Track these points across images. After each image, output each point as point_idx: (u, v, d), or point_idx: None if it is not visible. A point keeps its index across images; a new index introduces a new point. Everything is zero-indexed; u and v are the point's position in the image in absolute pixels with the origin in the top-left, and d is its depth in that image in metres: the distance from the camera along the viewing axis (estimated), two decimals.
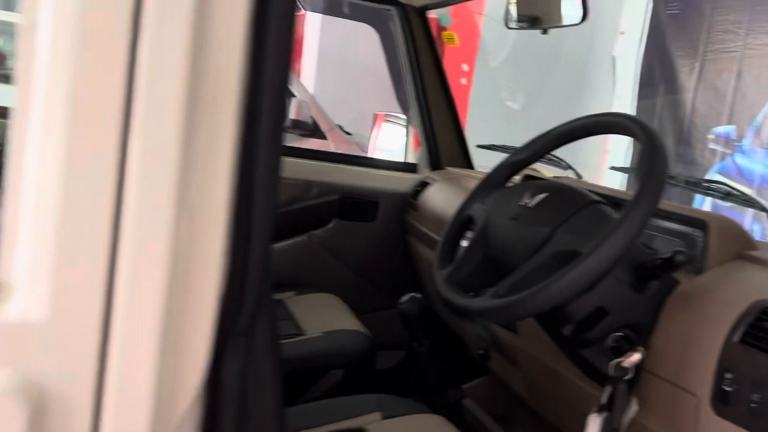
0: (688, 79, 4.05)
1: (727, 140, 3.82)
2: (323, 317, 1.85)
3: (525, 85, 4.67)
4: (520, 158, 1.34)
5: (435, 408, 1.63)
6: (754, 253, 1.21)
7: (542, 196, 1.19)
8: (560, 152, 2.29)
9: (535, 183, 1.26)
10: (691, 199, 3.71)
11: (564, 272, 0.99)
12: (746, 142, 3.71)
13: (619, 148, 4.43)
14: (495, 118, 4.34)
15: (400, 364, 2.14)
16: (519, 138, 2.56)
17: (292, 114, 4.42)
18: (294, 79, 4.73)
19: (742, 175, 3.69)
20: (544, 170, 1.81)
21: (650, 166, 1.03)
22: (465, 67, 4.26)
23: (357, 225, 2.32)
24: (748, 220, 3.54)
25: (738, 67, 3.72)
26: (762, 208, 1.46)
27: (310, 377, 1.60)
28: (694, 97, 4.01)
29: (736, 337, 1.02)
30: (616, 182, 4.39)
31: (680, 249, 1.05)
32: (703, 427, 1.06)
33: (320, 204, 2.26)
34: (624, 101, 4.39)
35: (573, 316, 1.14)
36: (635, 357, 1.11)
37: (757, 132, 3.65)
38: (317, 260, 2.27)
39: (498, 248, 1.22)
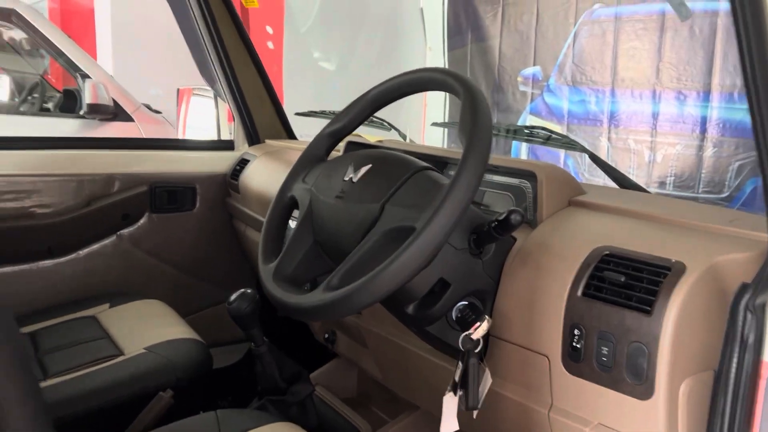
0: (493, 24, 4.16)
1: (534, 81, 3.99)
2: (145, 329, 1.63)
3: (337, 44, 4.55)
4: (339, 127, 1.21)
5: (285, 408, 1.50)
6: (582, 198, 1.18)
7: (366, 168, 1.07)
8: (380, 111, 2.21)
9: (357, 154, 1.14)
10: (508, 146, 3.84)
11: (399, 252, 0.88)
12: (552, 81, 3.89)
13: (437, 101, 4.48)
14: (312, 82, 4.18)
15: (242, 361, 1.97)
16: (338, 100, 2.45)
17: (89, 98, 3.99)
18: (87, 59, 4.26)
19: (552, 113, 3.88)
20: (366, 134, 1.69)
21: (473, 123, 0.94)
22: (269, 30, 4.01)
23: (174, 216, 2.09)
24: (562, 156, 3.74)
25: (536, 8, 3.87)
26: (582, 149, 1.46)
27: (134, 405, 1.39)
28: (501, 42, 4.13)
29: (579, 291, 0.99)
30: (439, 137, 4.45)
31: (515, 208, 0.99)
32: (557, 387, 1.02)
33: (126, 198, 2.00)
34: (437, 52, 4.42)
35: (414, 293, 1.06)
36: (482, 327, 1.04)
37: (561, 70, 3.83)
38: (132, 262, 2.02)
39: (326, 232, 1.09)
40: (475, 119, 0.94)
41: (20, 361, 0.56)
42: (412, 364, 1.32)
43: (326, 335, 1.67)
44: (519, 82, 4.06)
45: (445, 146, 3.94)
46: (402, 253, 0.88)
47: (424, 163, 1.06)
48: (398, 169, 1.04)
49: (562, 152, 3.76)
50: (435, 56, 4.46)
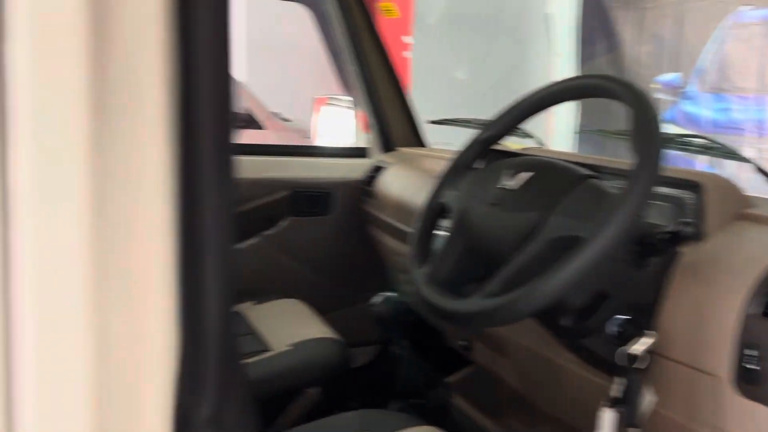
0: (627, 30, 4.01)
1: (672, 88, 3.79)
2: (289, 327, 1.70)
3: (463, 53, 4.55)
4: (491, 134, 1.21)
5: (421, 412, 1.51)
6: (754, 211, 1.11)
7: (526, 176, 1.06)
8: None
9: (513, 162, 1.13)
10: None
11: (567, 261, 0.87)
12: (691, 88, 3.69)
13: (565, 109, 4.37)
14: (439, 90, 4.20)
15: (374, 362, 2.01)
16: (464, 107, 2.44)
17: None
18: None
19: (691, 121, 3.67)
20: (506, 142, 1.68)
21: (645, 132, 0.91)
22: (406, 40, 4.09)
23: (311, 220, 2.17)
24: (699, 166, 3.53)
25: (677, 13, 3.68)
26: (744, 159, 1.38)
27: (282, 399, 1.45)
28: (637, 48, 3.97)
29: (755, 309, 0.93)
30: (567, 143, 4.34)
31: (686, 220, 0.94)
32: (727, 409, 0.97)
33: (270, 202, 2.10)
34: (566, 59, 4.32)
35: (571, 304, 1.03)
36: (645, 342, 1.00)
37: (702, 77, 3.62)
38: (272, 263, 2.11)
39: (481, 239, 1.09)
40: (648, 129, 0.91)
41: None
42: (558, 377, 1.29)
43: (462, 342, 1.67)
44: (655, 89, 3.87)
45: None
46: (569, 262, 0.87)
47: (588, 171, 1.04)
48: (562, 178, 1.02)
49: (699, 162, 3.56)
50: (564, 62, 4.35)
